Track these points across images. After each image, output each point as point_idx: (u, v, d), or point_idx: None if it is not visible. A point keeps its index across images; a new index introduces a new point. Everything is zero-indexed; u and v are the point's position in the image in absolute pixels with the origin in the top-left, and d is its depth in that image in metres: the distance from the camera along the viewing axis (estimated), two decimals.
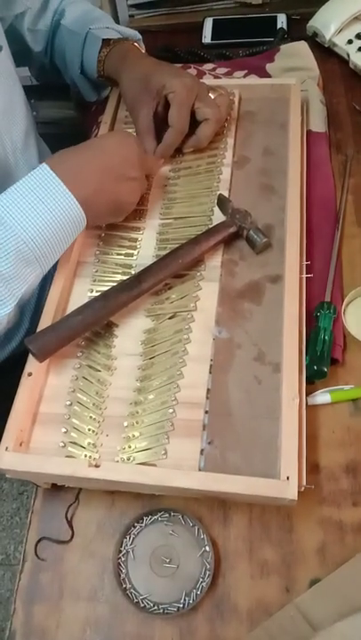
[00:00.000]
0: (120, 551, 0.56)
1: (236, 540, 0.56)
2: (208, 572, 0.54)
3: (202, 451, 0.55)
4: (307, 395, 0.60)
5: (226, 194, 0.72)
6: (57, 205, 0.58)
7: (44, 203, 0.57)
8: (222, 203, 0.69)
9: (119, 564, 0.55)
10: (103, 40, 0.78)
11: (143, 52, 0.81)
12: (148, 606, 0.53)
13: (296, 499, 0.49)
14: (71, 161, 0.61)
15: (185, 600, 0.53)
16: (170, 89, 0.69)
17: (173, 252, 0.64)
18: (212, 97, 0.72)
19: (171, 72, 0.72)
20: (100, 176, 0.61)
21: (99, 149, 0.63)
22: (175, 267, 0.63)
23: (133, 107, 0.75)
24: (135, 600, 0.54)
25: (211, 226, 0.68)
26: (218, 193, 0.70)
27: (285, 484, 0.50)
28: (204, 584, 0.53)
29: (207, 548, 0.55)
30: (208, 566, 0.54)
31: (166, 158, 0.75)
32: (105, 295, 0.61)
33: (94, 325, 0.61)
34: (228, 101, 0.75)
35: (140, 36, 0.84)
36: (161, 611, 0.53)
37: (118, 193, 0.63)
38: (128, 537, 0.56)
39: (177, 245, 0.65)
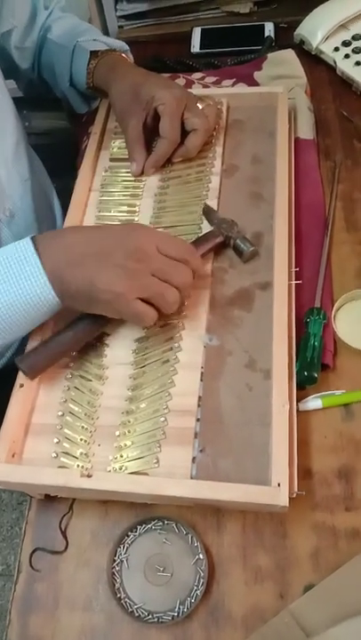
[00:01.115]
0: (114, 560, 0.56)
1: (230, 547, 0.56)
2: (202, 580, 0.54)
3: (194, 459, 0.55)
4: (298, 400, 0.61)
5: (215, 202, 0.72)
6: (26, 285, 0.53)
7: (14, 279, 0.53)
8: (208, 213, 0.69)
9: (113, 573, 0.55)
10: (91, 52, 0.79)
11: (132, 62, 0.82)
12: (142, 615, 0.53)
13: (288, 505, 0.50)
14: (63, 231, 0.59)
15: (179, 608, 0.54)
16: (159, 100, 0.70)
17: None
18: (201, 107, 0.73)
19: (160, 83, 0.72)
20: (84, 249, 0.55)
21: (104, 229, 0.61)
22: None
23: (123, 117, 0.75)
24: (130, 609, 0.54)
25: (200, 235, 0.68)
26: (204, 203, 0.71)
27: (277, 491, 0.50)
28: (198, 592, 0.54)
29: (201, 556, 0.55)
30: (202, 574, 0.54)
31: (157, 168, 0.76)
32: None
33: (85, 339, 0.61)
34: (216, 111, 0.76)
35: (128, 47, 0.85)
36: (156, 619, 0.53)
37: (96, 276, 0.53)
38: (122, 546, 0.56)
39: None
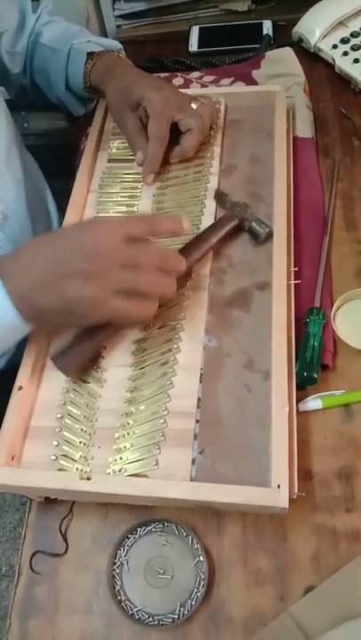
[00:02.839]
0: (114, 563, 0.56)
1: (230, 550, 0.56)
2: (202, 582, 0.54)
3: (193, 460, 0.55)
4: (298, 401, 0.60)
5: (213, 202, 0.72)
6: None
7: None
8: (220, 198, 0.70)
9: (114, 575, 0.55)
10: (87, 54, 0.79)
11: (129, 62, 0.82)
12: (143, 618, 0.53)
13: (287, 507, 0.49)
14: (23, 249, 0.55)
15: (180, 611, 0.53)
16: (147, 101, 0.70)
17: (182, 250, 0.64)
18: (195, 107, 0.72)
19: (150, 84, 0.72)
20: (43, 266, 0.52)
21: (58, 236, 0.56)
22: (187, 264, 0.62)
23: (119, 118, 0.76)
24: (130, 612, 0.54)
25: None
26: (215, 189, 0.71)
27: (276, 493, 0.50)
28: (198, 594, 0.53)
29: (201, 558, 0.55)
30: (202, 576, 0.54)
31: (155, 172, 0.74)
32: None
33: (117, 332, 0.61)
34: (211, 110, 0.76)
35: (121, 45, 0.85)
36: (156, 622, 0.53)
37: (63, 289, 0.51)
38: (122, 548, 0.56)
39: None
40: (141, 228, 0.54)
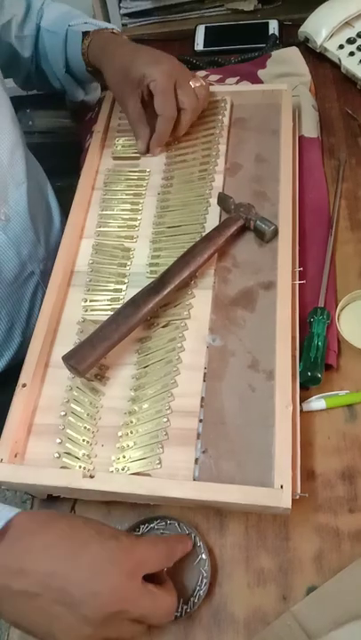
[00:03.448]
0: None
1: (233, 549, 0.56)
2: (205, 580, 0.54)
3: (196, 460, 0.55)
4: (302, 401, 0.60)
5: None
6: None
7: None
8: (223, 200, 0.70)
9: None
10: (83, 33, 0.79)
11: (123, 38, 0.81)
12: None
13: (290, 507, 0.49)
14: (32, 539, 0.47)
15: (182, 608, 0.53)
16: (149, 77, 0.70)
17: (190, 250, 0.65)
18: (193, 85, 0.73)
19: (149, 60, 0.72)
20: (45, 580, 0.44)
21: (81, 557, 0.46)
22: (195, 264, 0.64)
23: (121, 99, 0.76)
24: None
25: (204, 233, 0.68)
26: (218, 193, 0.71)
27: (279, 493, 0.50)
28: (201, 592, 0.53)
29: (204, 556, 0.55)
30: (205, 574, 0.54)
31: (162, 147, 0.76)
32: (134, 301, 0.61)
33: (128, 332, 0.61)
34: (206, 92, 0.76)
35: (120, 28, 0.85)
36: None
37: (53, 621, 0.44)
38: None
39: (169, 254, 0.65)
40: (163, 564, 0.50)
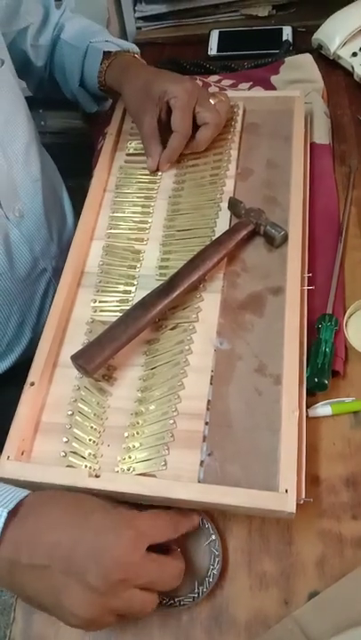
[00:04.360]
0: None
1: (236, 552, 0.56)
2: (217, 559, 0.54)
3: (201, 462, 0.55)
4: (308, 406, 0.60)
5: None
6: None
7: None
8: (234, 205, 0.70)
9: None
10: (104, 53, 0.80)
11: (143, 62, 0.83)
12: (164, 601, 0.53)
13: (294, 512, 0.50)
14: (40, 511, 0.49)
15: (199, 589, 0.53)
16: (171, 94, 0.71)
17: (200, 254, 0.65)
18: (213, 102, 0.73)
19: (171, 78, 0.73)
20: (50, 550, 0.46)
21: (86, 527, 0.47)
22: (204, 268, 0.64)
23: (137, 115, 0.76)
24: None
25: (214, 237, 0.68)
26: (229, 197, 0.71)
27: (284, 497, 0.50)
28: (215, 571, 0.53)
29: (213, 537, 0.55)
30: (216, 553, 0.54)
31: (172, 163, 0.76)
32: (143, 303, 0.62)
33: (137, 334, 0.61)
34: (227, 108, 0.76)
35: (139, 49, 0.86)
36: (177, 603, 0.53)
37: (59, 591, 0.45)
38: None
39: (179, 257, 0.66)
40: (167, 535, 0.50)
